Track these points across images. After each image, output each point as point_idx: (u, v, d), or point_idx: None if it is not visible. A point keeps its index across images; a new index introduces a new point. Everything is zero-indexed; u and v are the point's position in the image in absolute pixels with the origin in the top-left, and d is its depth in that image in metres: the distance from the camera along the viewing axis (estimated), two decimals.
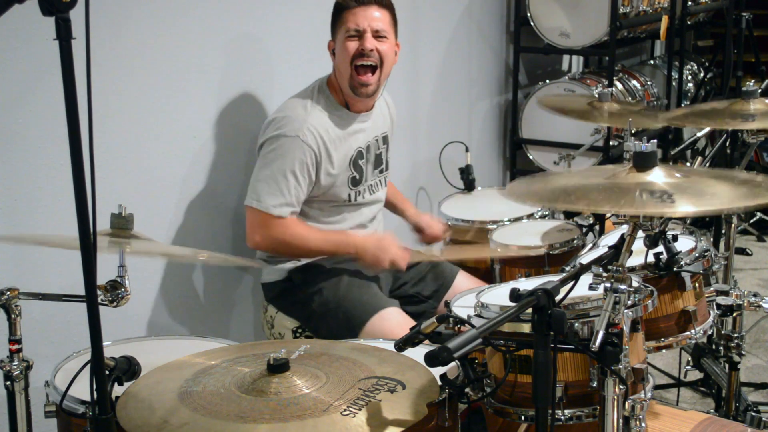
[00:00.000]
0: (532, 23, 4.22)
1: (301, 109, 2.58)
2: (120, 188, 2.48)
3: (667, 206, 1.59)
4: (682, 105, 5.09)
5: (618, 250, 1.69)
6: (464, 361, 1.70)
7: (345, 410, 1.51)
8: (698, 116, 2.73)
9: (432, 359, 1.40)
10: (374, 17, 2.59)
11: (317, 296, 2.60)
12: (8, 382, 1.74)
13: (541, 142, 4.33)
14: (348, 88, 2.61)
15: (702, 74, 5.63)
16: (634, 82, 4.81)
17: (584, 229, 2.90)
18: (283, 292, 2.67)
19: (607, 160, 4.11)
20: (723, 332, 2.35)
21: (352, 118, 2.66)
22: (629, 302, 1.68)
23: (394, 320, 2.50)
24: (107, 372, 1.54)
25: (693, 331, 2.06)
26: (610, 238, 2.37)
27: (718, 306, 2.25)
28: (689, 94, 5.40)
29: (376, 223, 2.81)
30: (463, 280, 2.85)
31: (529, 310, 1.49)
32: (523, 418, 1.79)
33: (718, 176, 1.76)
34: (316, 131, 2.54)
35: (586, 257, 2.27)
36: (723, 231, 3.10)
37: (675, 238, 1.99)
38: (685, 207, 1.62)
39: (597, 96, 3.27)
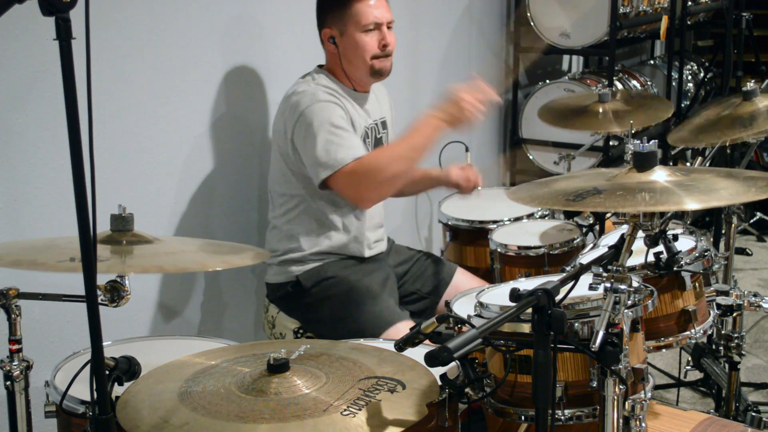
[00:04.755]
0: (532, 23, 4.22)
1: (306, 85, 2.56)
2: (120, 188, 2.48)
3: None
4: (682, 105, 5.09)
5: (618, 250, 1.69)
6: (464, 361, 1.70)
7: (345, 410, 1.51)
8: (703, 132, 2.71)
9: (432, 359, 1.40)
10: (386, 7, 2.60)
11: (327, 304, 2.58)
12: (8, 382, 1.73)
13: (541, 142, 4.33)
14: (366, 76, 2.62)
15: (702, 74, 5.63)
16: (634, 82, 4.81)
17: (584, 229, 2.90)
18: (290, 294, 2.65)
19: (607, 161, 4.11)
20: (723, 332, 2.35)
21: (354, 97, 2.64)
22: (629, 302, 1.68)
23: None
24: (107, 372, 1.54)
25: (693, 330, 2.05)
26: (610, 238, 2.37)
27: (718, 306, 2.25)
28: (689, 94, 5.40)
29: (378, 207, 2.75)
30: (462, 277, 2.85)
31: (529, 310, 1.49)
32: (523, 418, 1.79)
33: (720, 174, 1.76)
34: (330, 93, 2.53)
35: (586, 257, 2.27)
36: (723, 231, 3.09)
37: (675, 237, 1.99)
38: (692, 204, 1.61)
39: (597, 96, 3.26)
